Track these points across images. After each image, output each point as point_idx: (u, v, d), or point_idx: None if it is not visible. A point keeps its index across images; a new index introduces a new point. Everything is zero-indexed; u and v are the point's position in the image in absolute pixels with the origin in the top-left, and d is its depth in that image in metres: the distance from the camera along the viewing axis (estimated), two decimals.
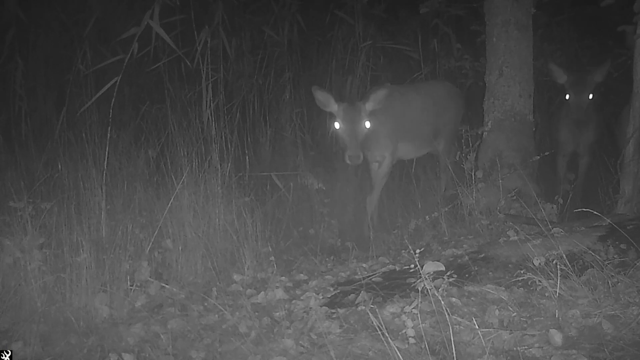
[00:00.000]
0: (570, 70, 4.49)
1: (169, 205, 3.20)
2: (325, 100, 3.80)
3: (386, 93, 3.80)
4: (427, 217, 3.81)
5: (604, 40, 5.14)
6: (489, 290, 2.61)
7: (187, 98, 4.81)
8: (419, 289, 2.33)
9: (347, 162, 3.69)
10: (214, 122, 4.29)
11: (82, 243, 2.85)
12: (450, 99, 4.52)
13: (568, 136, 4.63)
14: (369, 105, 3.79)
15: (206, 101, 4.51)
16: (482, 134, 4.20)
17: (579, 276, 2.55)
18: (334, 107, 3.80)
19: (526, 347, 2.17)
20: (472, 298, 2.60)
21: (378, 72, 5.43)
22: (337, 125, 3.77)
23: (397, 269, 3.06)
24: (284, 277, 3.13)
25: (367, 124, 3.76)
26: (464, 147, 3.87)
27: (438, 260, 2.79)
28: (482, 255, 2.97)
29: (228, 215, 3.45)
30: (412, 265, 2.52)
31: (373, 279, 2.93)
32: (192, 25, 4.43)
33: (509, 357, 2.13)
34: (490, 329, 2.27)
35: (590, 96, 4.37)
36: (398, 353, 2.03)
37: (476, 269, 2.83)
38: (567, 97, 4.41)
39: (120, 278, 2.81)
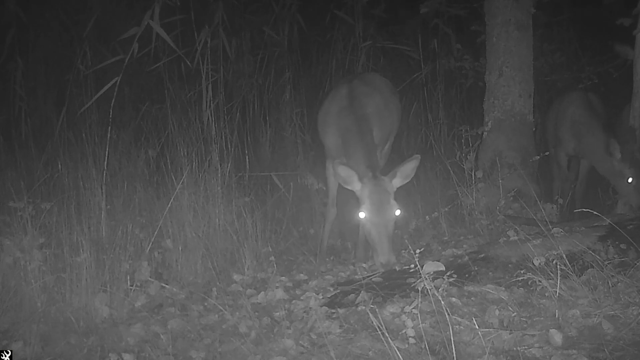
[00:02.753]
0: (633, 157, 3.96)
1: (169, 205, 3.20)
2: (349, 177, 3.07)
3: (415, 165, 3.11)
4: (427, 217, 3.80)
5: (604, 40, 5.14)
6: (489, 290, 2.61)
7: (187, 98, 4.82)
8: (419, 289, 2.32)
9: (379, 268, 3.00)
10: (214, 122, 4.29)
11: (82, 243, 2.84)
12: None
13: (569, 137, 4.45)
14: (396, 182, 3.08)
15: (206, 101, 4.51)
16: (482, 134, 4.20)
17: (579, 276, 2.54)
18: (356, 185, 3.07)
19: (526, 347, 2.17)
20: (472, 298, 2.59)
21: (378, 72, 5.43)
22: (362, 214, 3.04)
23: (397, 269, 3.06)
24: (284, 277, 3.13)
25: (398, 212, 3.05)
26: (464, 147, 3.87)
27: (438, 260, 2.78)
28: (482, 255, 2.96)
29: (228, 215, 3.45)
30: (412, 265, 2.51)
31: (373, 279, 2.92)
32: (192, 25, 4.43)
33: (509, 357, 2.13)
34: (490, 329, 2.27)
35: None
36: (398, 353, 2.03)
37: (476, 269, 2.83)
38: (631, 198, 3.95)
39: (120, 278, 2.81)
